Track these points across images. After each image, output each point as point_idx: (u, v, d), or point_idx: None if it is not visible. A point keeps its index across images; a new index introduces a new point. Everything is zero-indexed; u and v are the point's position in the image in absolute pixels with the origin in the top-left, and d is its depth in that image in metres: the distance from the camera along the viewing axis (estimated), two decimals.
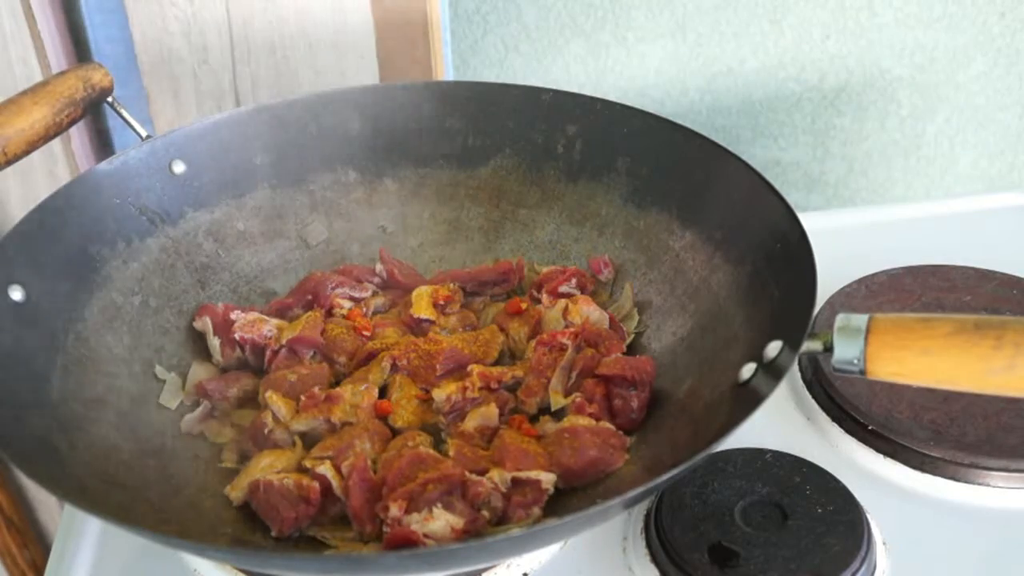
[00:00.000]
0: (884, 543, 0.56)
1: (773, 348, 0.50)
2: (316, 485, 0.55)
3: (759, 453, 0.59)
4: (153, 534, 0.45)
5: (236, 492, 0.57)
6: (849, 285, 0.74)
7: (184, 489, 0.57)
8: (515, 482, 0.54)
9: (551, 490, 0.54)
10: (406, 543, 0.50)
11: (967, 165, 1.17)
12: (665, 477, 0.44)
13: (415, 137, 0.74)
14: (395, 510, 0.51)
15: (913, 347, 0.43)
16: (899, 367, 0.44)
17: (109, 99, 0.68)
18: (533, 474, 0.54)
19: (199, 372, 0.65)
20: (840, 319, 0.45)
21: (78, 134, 0.88)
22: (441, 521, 0.51)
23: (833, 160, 1.14)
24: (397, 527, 0.51)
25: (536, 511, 0.54)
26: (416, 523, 0.51)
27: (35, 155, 0.63)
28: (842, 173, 1.15)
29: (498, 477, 0.54)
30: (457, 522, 0.51)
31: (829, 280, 0.72)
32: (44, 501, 1.06)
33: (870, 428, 0.62)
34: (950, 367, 0.43)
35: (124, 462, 0.56)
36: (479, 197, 0.74)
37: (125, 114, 0.68)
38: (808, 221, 0.55)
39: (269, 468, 0.57)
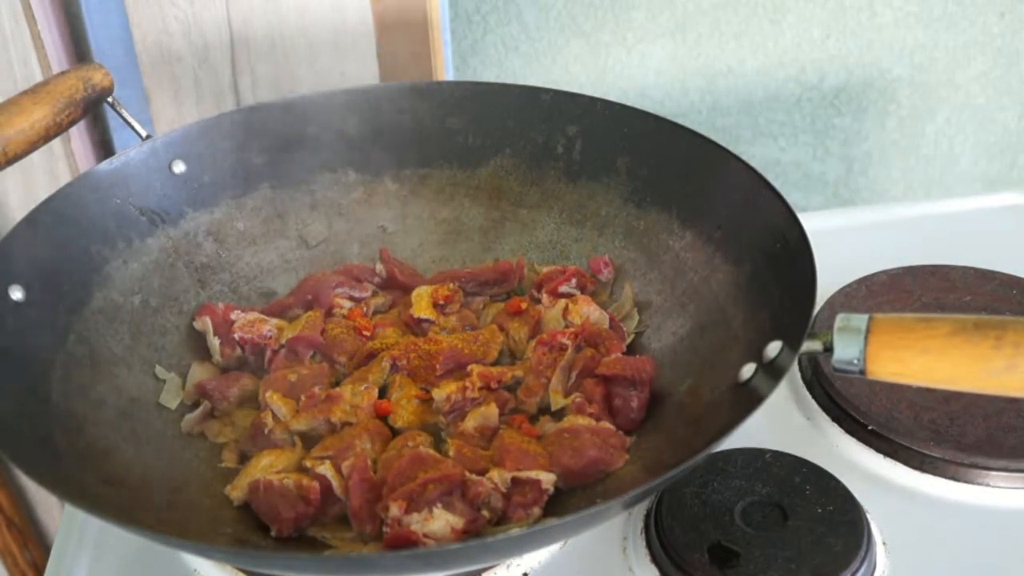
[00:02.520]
0: (884, 543, 0.56)
1: (773, 348, 0.50)
2: (316, 485, 0.55)
3: (759, 453, 0.59)
4: (153, 534, 0.44)
5: (236, 492, 0.57)
6: (849, 285, 0.74)
7: (184, 489, 0.57)
8: (515, 482, 0.54)
9: (551, 490, 0.54)
10: (406, 543, 0.50)
11: (967, 165, 1.17)
12: (665, 477, 0.44)
13: (415, 137, 0.74)
14: (395, 510, 0.51)
15: (913, 347, 0.43)
16: (899, 367, 0.44)
17: (109, 99, 0.68)
18: (533, 474, 0.54)
19: (199, 372, 0.65)
20: (840, 319, 0.45)
21: (78, 134, 0.88)
22: (441, 521, 0.51)
23: (833, 160, 1.14)
24: (397, 527, 0.51)
25: (536, 511, 0.54)
26: (416, 523, 0.51)
27: (35, 155, 0.63)
28: (842, 173, 1.15)
29: (498, 477, 0.54)
30: (457, 522, 0.51)
31: (829, 280, 0.72)
32: (44, 501, 1.06)
33: (870, 428, 0.62)
34: (950, 367, 0.43)
35: (124, 462, 0.56)
36: (479, 197, 0.74)
37: (125, 114, 0.68)
38: (808, 221, 0.55)
39: (269, 468, 0.57)
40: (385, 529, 0.52)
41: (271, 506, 0.54)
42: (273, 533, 0.55)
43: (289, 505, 0.54)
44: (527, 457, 0.55)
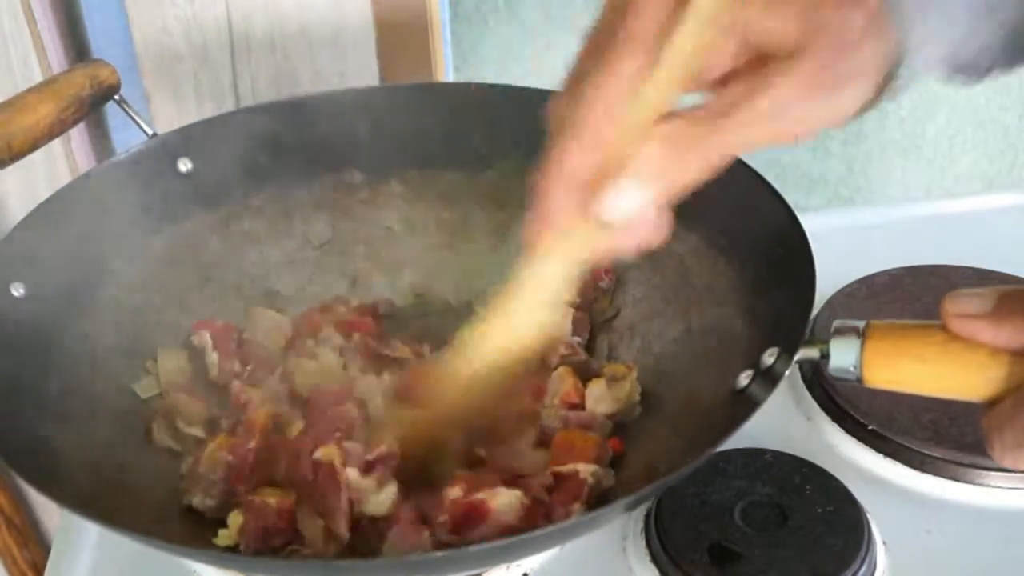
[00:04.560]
0: (884, 543, 0.56)
1: (770, 355, 0.49)
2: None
3: (759, 453, 0.59)
4: (147, 539, 0.44)
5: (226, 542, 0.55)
6: (849, 285, 0.74)
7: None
8: (555, 477, 0.53)
9: (590, 480, 0.53)
10: (476, 513, 0.50)
11: (967, 165, 1.17)
12: (659, 483, 0.44)
13: (421, 139, 0.74)
14: (456, 492, 0.51)
15: (908, 354, 0.43)
16: (894, 375, 0.43)
17: (116, 97, 0.68)
18: (571, 467, 0.53)
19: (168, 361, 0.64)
20: (836, 325, 0.45)
21: (78, 134, 0.89)
22: (508, 496, 0.50)
23: (833, 160, 1.14)
24: (461, 504, 0.50)
25: (577, 507, 0.52)
26: (482, 497, 0.50)
27: (35, 154, 0.63)
28: (842, 173, 1.15)
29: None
30: (523, 497, 0.51)
31: (829, 280, 0.72)
32: (44, 501, 1.06)
33: (870, 428, 0.62)
34: (946, 375, 0.42)
35: (123, 464, 0.56)
36: (484, 199, 0.74)
37: (132, 112, 0.68)
38: (808, 221, 0.55)
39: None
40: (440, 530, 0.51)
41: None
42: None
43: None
44: (572, 451, 0.55)
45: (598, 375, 0.62)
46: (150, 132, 0.68)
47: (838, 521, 0.55)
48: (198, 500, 0.56)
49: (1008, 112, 1.14)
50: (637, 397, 0.61)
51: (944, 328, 0.42)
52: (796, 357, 0.46)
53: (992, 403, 0.41)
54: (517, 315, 0.48)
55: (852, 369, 0.44)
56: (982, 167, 1.18)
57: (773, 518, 0.55)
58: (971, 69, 0.40)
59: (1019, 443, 0.39)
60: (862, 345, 0.43)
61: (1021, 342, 0.40)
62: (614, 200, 0.40)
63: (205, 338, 0.65)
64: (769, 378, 0.48)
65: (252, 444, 0.56)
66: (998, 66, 0.40)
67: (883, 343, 0.43)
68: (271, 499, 0.54)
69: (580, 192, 0.41)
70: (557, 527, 0.43)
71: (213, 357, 0.65)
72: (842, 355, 0.44)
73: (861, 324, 0.44)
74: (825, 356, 0.45)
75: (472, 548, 0.44)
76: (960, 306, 0.41)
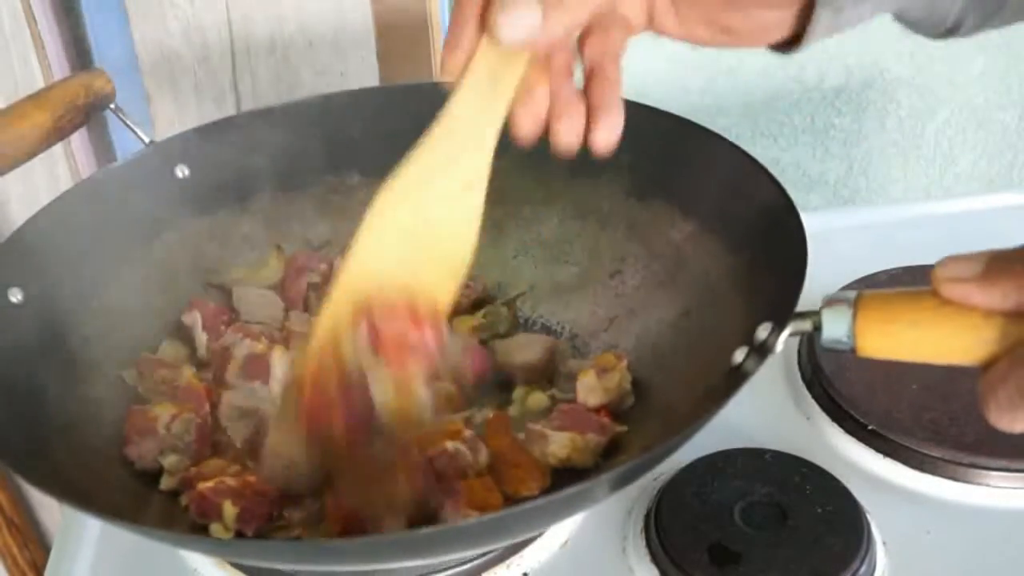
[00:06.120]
0: (884, 543, 0.56)
1: (763, 330, 0.49)
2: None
3: (759, 453, 0.59)
4: (153, 532, 0.44)
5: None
6: (849, 285, 0.74)
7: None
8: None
9: None
10: None
11: (967, 165, 1.17)
12: (644, 457, 0.44)
13: (418, 138, 0.74)
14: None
15: (902, 319, 0.42)
16: (888, 341, 0.43)
17: (112, 106, 0.68)
18: None
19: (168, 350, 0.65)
20: (828, 296, 0.44)
21: (79, 136, 0.89)
22: None
23: (833, 160, 1.14)
24: None
25: None
26: None
27: (36, 157, 0.64)
28: (842, 173, 1.15)
29: None
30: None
31: (829, 280, 0.71)
32: (44, 501, 1.06)
33: (870, 428, 0.62)
34: (940, 340, 0.42)
35: (124, 462, 0.57)
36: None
37: (128, 121, 0.68)
38: (808, 221, 0.55)
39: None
40: None
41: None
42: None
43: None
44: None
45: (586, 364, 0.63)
46: (147, 140, 0.68)
47: (838, 521, 0.55)
48: (171, 461, 0.57)
49: (1008, 112, 1.14)
50: (628, 386, 0.61)
51: (935, 293, 0.41)
52: (789, 329, 0.45)
53: (987, 367, 0.41)
54: (444, 146, 0.52)
55: (845, 339, 0.43)
56: (982, 167, 1.18)
57: (773, 518, 0.55)
58: (929, 26, 0.42)
59: (1014, 403, 0.38)
60: (854, 314, 0.43)
61: (1013, 303, 0.39)
62: (507, 21, 0.44)
63: (195, 317, 0.66)
64: (762, 352, 0.48)
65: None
66: (969, 25, 0.41)
67: (875, 311, 0.43)
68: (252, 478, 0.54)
69: (482, 14, 0.45)
70: (540, 502, 0.42)
71: (202, 337, 0.65)
72: (835, 325, 0.43)
73: (852, 294, 0.44)
74: (818, 328, 0.44)
75: (460, 524, 0.44)
76: (950, 270, 0.41)
